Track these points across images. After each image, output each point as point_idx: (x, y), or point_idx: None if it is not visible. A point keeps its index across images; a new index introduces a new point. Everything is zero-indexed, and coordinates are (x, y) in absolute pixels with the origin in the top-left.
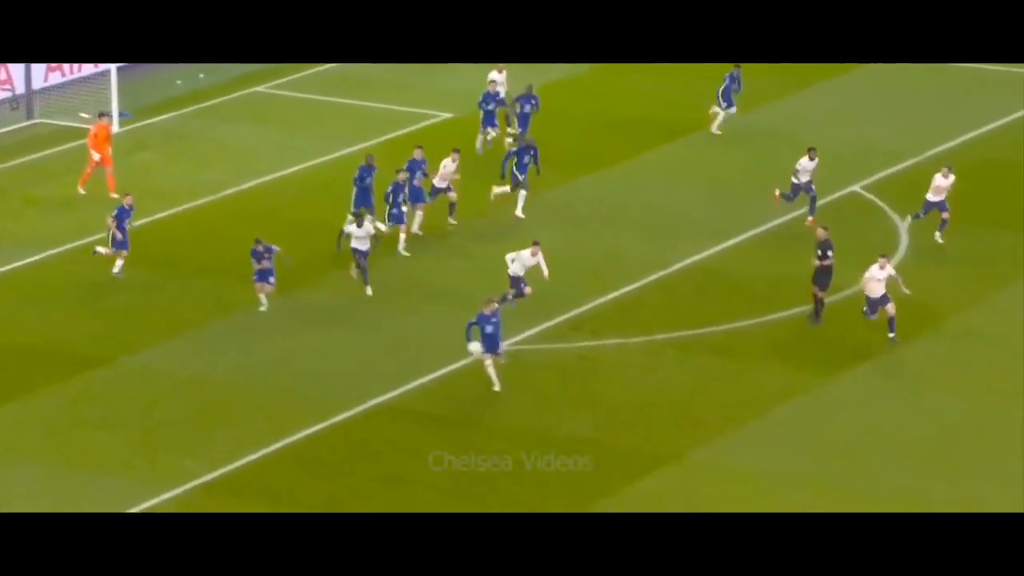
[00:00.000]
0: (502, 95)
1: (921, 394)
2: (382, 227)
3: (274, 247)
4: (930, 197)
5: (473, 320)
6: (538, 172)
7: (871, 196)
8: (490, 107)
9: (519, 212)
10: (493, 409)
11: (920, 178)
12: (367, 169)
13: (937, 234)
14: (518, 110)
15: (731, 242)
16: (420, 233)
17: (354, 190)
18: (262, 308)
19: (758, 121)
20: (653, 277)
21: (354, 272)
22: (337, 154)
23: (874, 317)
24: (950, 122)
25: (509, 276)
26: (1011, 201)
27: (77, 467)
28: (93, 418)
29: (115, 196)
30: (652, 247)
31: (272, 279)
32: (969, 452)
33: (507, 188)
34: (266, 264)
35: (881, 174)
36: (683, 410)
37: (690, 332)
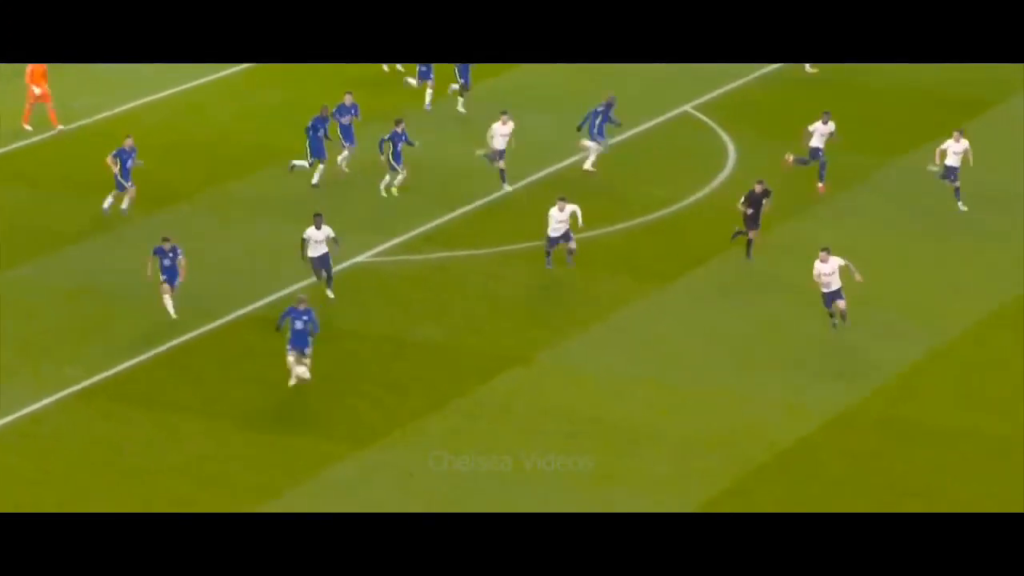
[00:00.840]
0: None
1: (745, 298)
2: (387, 179)
3: (179, 250)
4: (949, 163)
5: (284, 312)
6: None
7: (702, 116)
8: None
9: (589, 166)
10: (353, 317)
11: (746, 98)
12: (321, 120)
13: (960, 204)
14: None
15: (569, 161)
16: (346, 170)
17: (308, 140)
18: (172, 316)
19: None
20: (500, 193)
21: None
22: (203, 80)
23: (830, 309)
24: None
25: (548, 236)
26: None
27: None
28: None
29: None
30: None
31: (177, 282)
32: (788, 350)
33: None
34: (168, 263)
35: (711, 95)
36: (531, 315)
37: (536, 244)
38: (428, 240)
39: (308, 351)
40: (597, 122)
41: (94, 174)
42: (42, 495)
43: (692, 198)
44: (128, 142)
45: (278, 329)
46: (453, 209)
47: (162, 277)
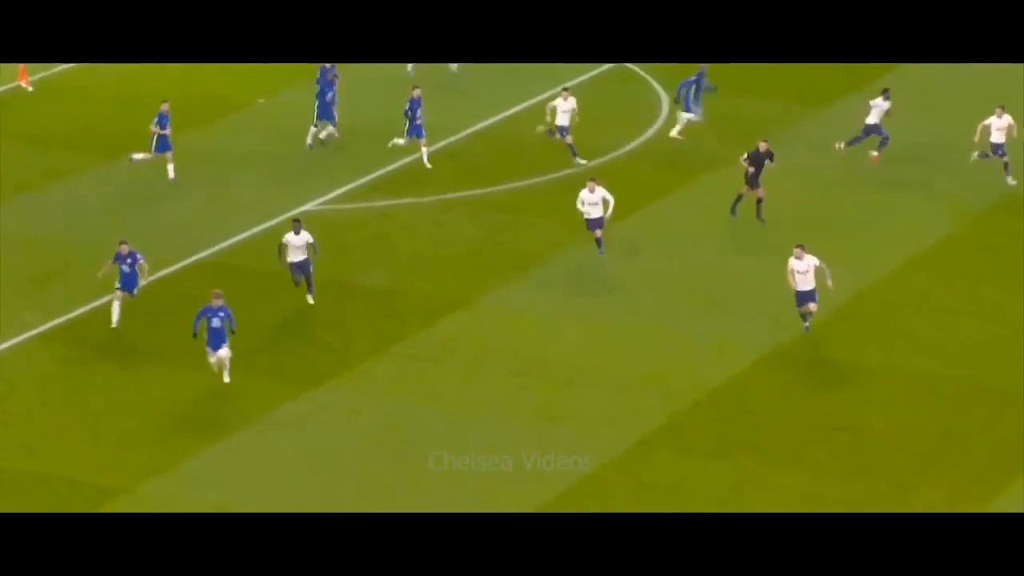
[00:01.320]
0: None
1: (678, 244)
2: (400, 141)
3: (139, 255)
4: (994, 139)
5: (199, 312)
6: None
7: (637, 69)
8: None
9: (676, 134)
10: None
11: None
12: (328, 84)
13: (1009, 178)
14: None
15: (511, 111)
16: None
17: (316, 104)
18: (113, 324)
19: None
20: (443, 143)
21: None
22: None
23: (801, 309)
24: None
25: (586, 220)
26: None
27: None
28: None
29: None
30: (442, 116)
31: (136, 290)
32: (719, 293)
33: (693, 116)
34: (127, 270)
35: None
36: (473, 260)
37: (478, 191)
38: (374, 189)
39: (226, 351)
40: (692, 92)
41: (47, 125)
42: (2, 436)
43: (626, 147)
44: (164, 107)
45: (194, 335)
46: (397, 159)
47: (118, 285)
